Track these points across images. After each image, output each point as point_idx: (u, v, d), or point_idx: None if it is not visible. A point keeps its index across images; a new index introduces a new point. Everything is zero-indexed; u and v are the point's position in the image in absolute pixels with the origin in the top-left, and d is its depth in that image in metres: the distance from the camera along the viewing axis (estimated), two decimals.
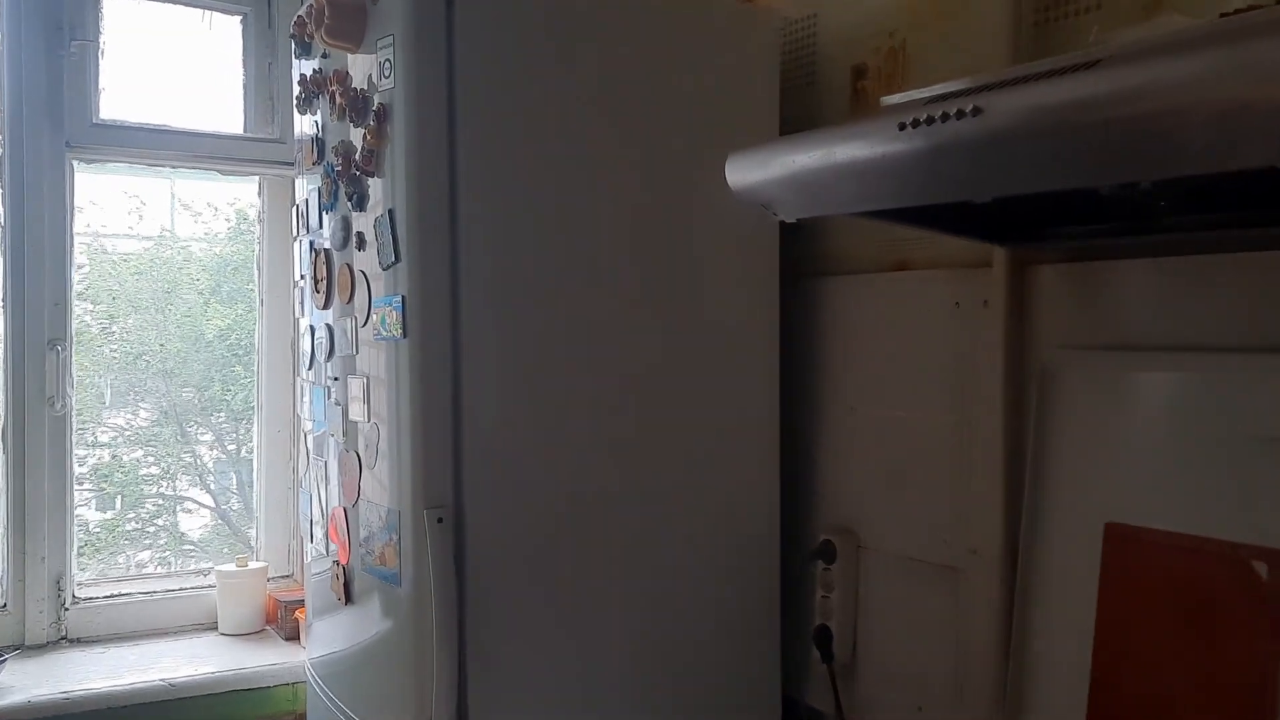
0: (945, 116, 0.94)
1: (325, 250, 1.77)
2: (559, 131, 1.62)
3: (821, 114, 1.87)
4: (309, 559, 2.00)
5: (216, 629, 2.37)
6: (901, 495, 1.71)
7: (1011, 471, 1.50)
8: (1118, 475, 1.35)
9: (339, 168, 1.67)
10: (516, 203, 1.58)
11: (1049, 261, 1.47)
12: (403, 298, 1.52)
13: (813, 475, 1.86)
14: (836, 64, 1.85)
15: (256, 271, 2.55)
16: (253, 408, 2.54)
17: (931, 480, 1.65)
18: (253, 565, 2.40)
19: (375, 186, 1.60)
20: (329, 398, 1.78)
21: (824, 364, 1.85)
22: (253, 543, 2.56)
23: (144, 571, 2.70)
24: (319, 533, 1.86)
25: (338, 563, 1.74)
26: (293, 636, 2.30)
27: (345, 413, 1.70)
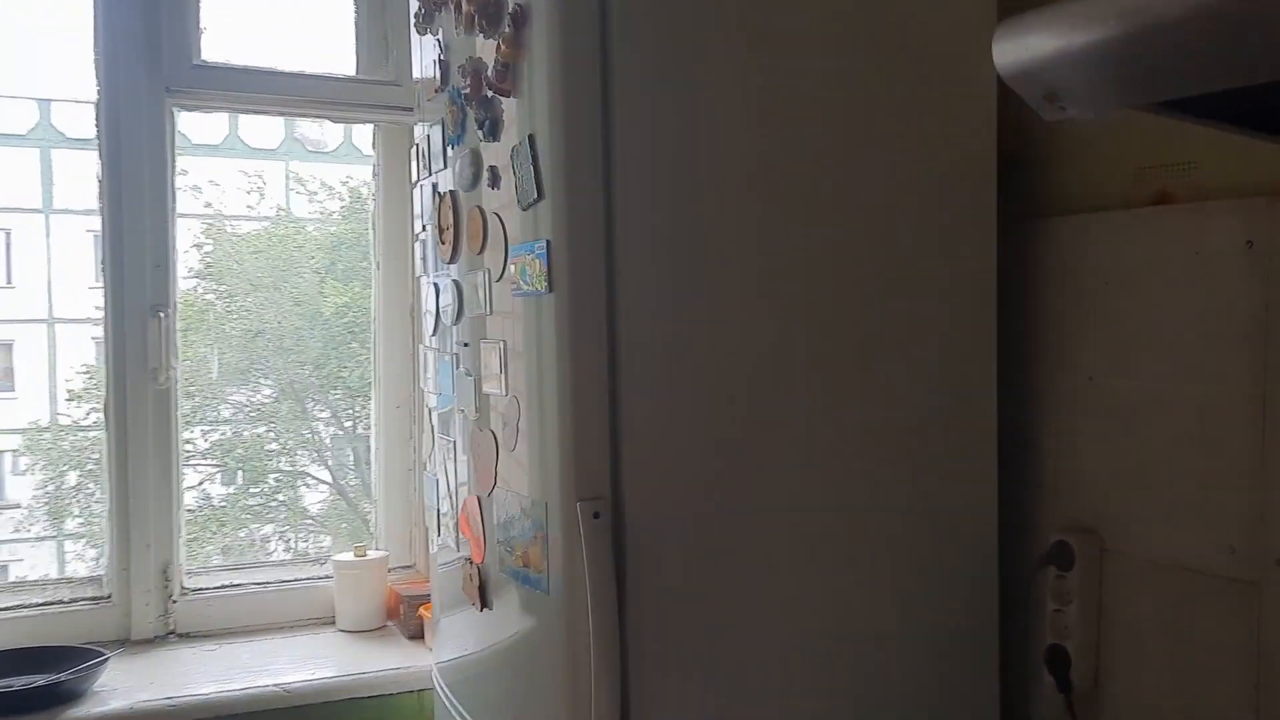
0: None
1: (451, 193, 1.50)
2: (736, 32, 1.31)
3: None
4: (434, 549, 1.75)
5: (334, 624, 2.15)
6: (1163, 487, 1.35)
7: None
8: None
9: (466, 90, 1.39)
10: (684, 123, 1.28)
11: None
12: (547, 243, 1.24)
13: (1039, 461, 1.52)
14: None
15: (371, 231, 2.31)
16: (369, 385, 2.31)
17: (1208, 469, 1.30)
18: (372, 555, 2.17)
19: (511, 109, 1.32)
20: (457, 367, 1.51)
21: (1053, 325, 1.50)
22: (371, 528, 2.33)
23: (259, 559, 2.52)
24: (448, 523, 1.60)
25: (470, 561, 1.48)
26: (417, 635, 2.06)
27: (477, 385, 1.43)
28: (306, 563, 2.26)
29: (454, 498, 1.56)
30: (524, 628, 1.37)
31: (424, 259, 1.68)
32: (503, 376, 1.35)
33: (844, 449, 1.38)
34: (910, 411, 1.42)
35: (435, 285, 1.60)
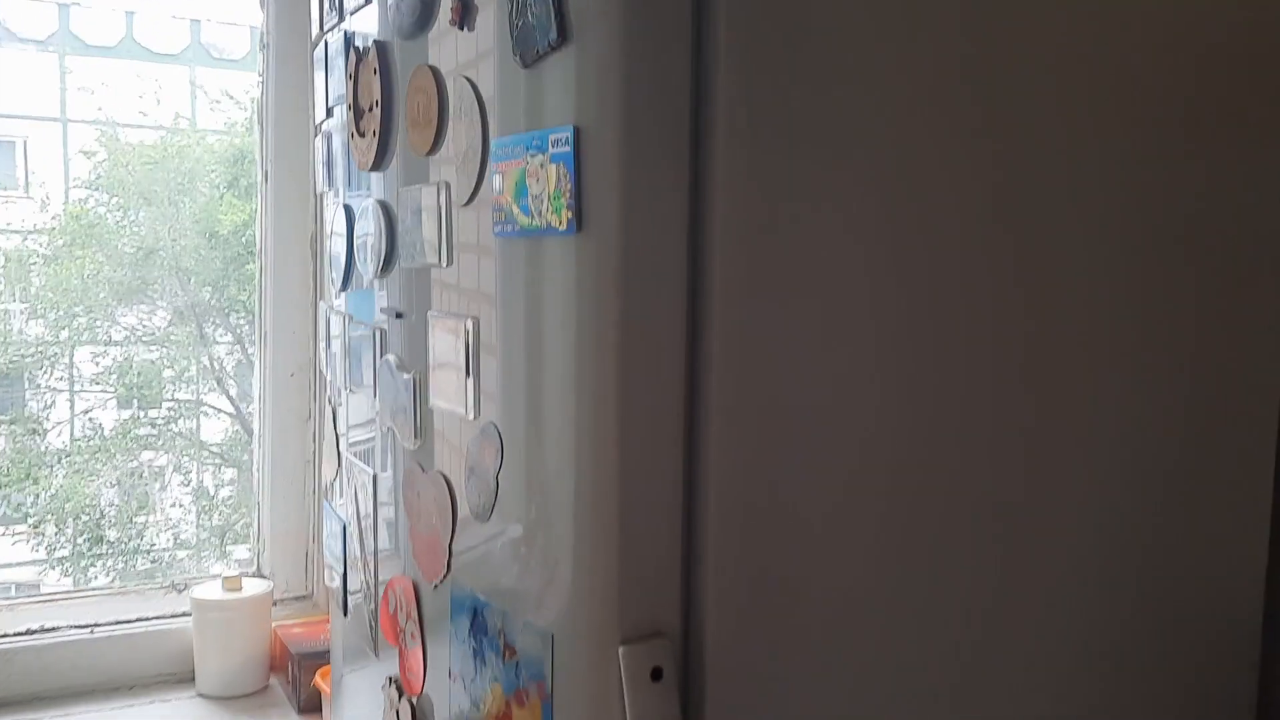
0: None
1: (376, 46, 0.86)
2: None
3: None
4: (339, 611, 1.13)
5: (193, 685, 1.52)
6: None
7: None
8: None
9: None
10: None
11: None
12: (574, 131, 0.61)
13: None
14: None
15: (258, 128, 1.64)
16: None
17: None
18: (249, 587, 1.53)
19: None
20: (382, 352, 0.88)
21: None
22: (252, 545, 1.69)
23: (89, 587, 1.86)
24: (362, 607, 0.97)
25: (399, 689, 0.86)
26: (313, 709, 1.45)
27: (418, 389, 0.81)
28: (155, 592, 1.61)
29: (371, 568, 0.93)
30: None
31: (327, 164, 1.03)
32: (468, 384, 0.73)
33: (1049, 517, 0.80)
34: (1145, 431, 0.84)
35: (346, 209, 0.96)
